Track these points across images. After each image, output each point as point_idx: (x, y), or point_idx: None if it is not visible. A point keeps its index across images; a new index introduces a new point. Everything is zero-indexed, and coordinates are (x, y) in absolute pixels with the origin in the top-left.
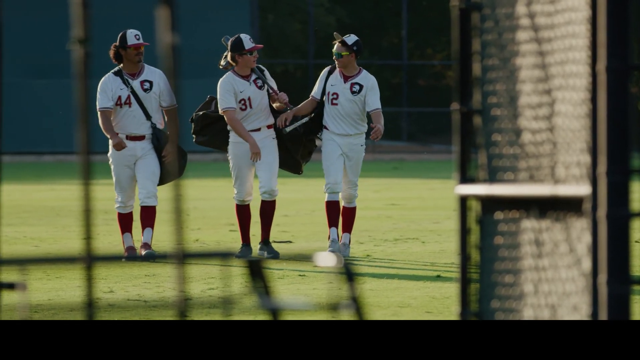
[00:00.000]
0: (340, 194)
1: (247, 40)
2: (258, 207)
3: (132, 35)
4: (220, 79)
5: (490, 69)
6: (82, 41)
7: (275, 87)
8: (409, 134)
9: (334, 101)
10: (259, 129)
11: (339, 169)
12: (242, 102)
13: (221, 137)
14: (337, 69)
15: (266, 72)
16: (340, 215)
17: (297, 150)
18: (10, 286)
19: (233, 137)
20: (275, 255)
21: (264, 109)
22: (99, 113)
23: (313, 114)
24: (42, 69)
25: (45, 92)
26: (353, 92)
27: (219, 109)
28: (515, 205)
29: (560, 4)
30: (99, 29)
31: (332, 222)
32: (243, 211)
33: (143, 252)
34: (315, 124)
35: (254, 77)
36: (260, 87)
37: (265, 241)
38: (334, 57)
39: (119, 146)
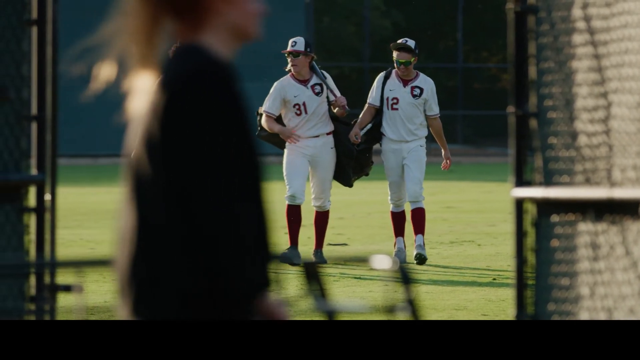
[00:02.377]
0: (406, 194)
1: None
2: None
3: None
4: (277, 82)
5: (546, 72)
6: None
7: (337, 93)
8: (465, 137)
9: (394, 106)
10: (317, 136)
11: (403, 185)
12: (297, 107)
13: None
14: (394, 73)
15: (329, 79)
16: (410, 220)
17: (349, 163)
18: (67, 288)
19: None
20: (322, 261)
21: (321, 116)
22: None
23: (374, 123)
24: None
25: (102, 95)
26: (414, 96)
27: (262, 109)
28: (571, 208)
29: (616, 7)
30: None
31: (399, 232)
32: (293, 212)
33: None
34: (377, 132)
35: (312, 82)
36: (317, 94)
37: (316, 251)
38: (397, 66)
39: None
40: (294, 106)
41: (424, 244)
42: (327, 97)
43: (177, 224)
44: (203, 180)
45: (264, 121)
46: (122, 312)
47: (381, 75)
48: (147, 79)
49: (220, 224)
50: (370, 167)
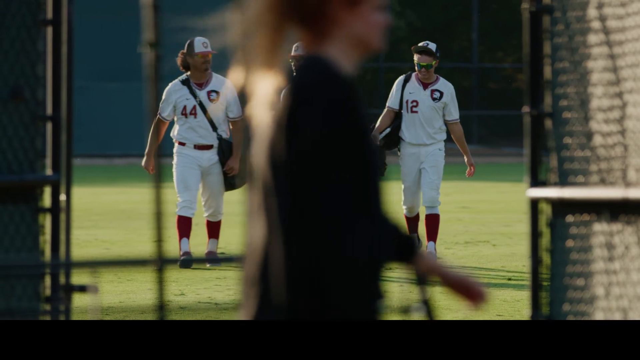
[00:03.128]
0: (420, 199)
1: (200, 44)
2: None
3: (200, 43)
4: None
5: (561, 72)
6: (152, 45)
7: None
8: (480, 137)
9: (414, 109)
10: None
11: (417, 192)
12: None
13: None
14: (414, 76)
15: None
16: (424, 225)
17: None
18: (82, 289)
19: None
20: None
21: None
22: (157, 117)
23: (392, 126)
24: (113, 72)
25: (116, 95)
26: (434, 99)
27: None
28: (586, 208)
29: (631, 7)
30: (169, 33)
31: (412, 230)
32: None
33: (208, 265)
34: (396, 136)
35: None
36: None
37: None
38: (418, 69)
39: (146, 169)
40: None
41: (435, 252)
42: None
43: (292, 235)
44: (321, 194)
45: None
46: (242, 314)
47: (401, 78)
48: (270, 87)
49: (333, 240)
50: (384, 168)
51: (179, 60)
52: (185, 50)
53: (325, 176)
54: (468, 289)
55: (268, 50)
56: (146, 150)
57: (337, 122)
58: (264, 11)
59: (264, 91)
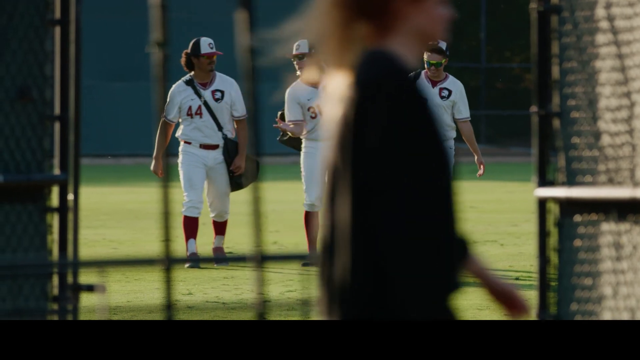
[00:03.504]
0: None
1: (206, 45)
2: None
3: (206, 44)
4: (288, 89)
5: (569, 72)
6: (160, 44)
7: None
8: (487, 136)
9: None
10: None
11: None
12: (312, 109)
13: (300, 139)
14: (423, 74)
15: None
16: None
17: None
18: (90, 288)
19: (307, 143)
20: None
21: None
22: (161, 119)
23: None
24: (121, 71)
25: (124, 95)
26: (442, 97)
27: (286, 120)
28: (594, 208)
29: (639, 7)
30: (177, 32)
31: None
32: (311, 219)
33: (215, 265)
34: None
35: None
36: None
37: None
38: (428, 67)
39: (154, 172)
40: (309, 109)
41: None
42: None
43: (364, 227)
44: (393, 189)
45: (292, 128)
46: (320, 308)
47: (410, 76)
48: (340, 82)
49: (407, 230)
50: None
51: (182, 61)
52: (189, 50)
53: (396, 171)
54: (512, 300)
55: (337, 46)
56: (154, 154)
57: (406, 116)
58: (332, 8)
59: (334, 87)
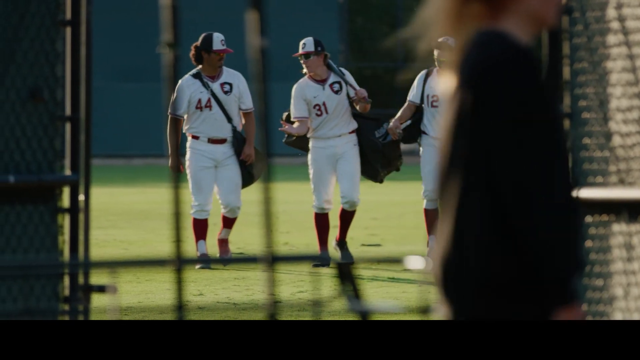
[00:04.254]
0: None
1: (218, 42)
2: (337, 212)
3: (218, 40)
4: (295, 85)
5: (580, 73)
6: (171, 45)
7: (357, 87)
8: None
9: (434, 103)
10: (339, 136)
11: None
12: (317, 107)
13: (307, 139)
14: (435, 71)
15: (348, 76)
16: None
17: (377, 158)
18: (101, 289)
19: (314, 142)
20: (349, 260)
21: (342, 114)
22: (169, 117)
23: (412, 120)
24: (132, 72)
25: (135, 96)
26: None
27: (291, 117)
28: (605, 208)
29: None
30: (187, 32)
31: (432, 230)
32: (321, 220)
33: (219, 255)
34: (415, 129)
35: (331, 80)
36: (336, 92)
37: (340, 242)
38: (439, 65)
39: (174, 169)
40: (315, 107)
41: None
42: (348, 94)
43: (489, 212)
44: (516, 168)
45: (296, 127)
46: (440, 300)
47: (422, 73)
48: (455, 64)
49: (536, 212)
50: (400, 161)
51: (191, 54)
52: (199, 44)
53: (527, 156)
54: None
55: (452, 27)
56: (169, 151)
57: (524, 98)
58: None
59: (449, 73)
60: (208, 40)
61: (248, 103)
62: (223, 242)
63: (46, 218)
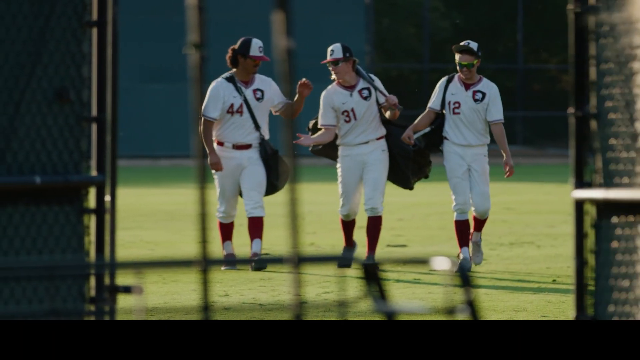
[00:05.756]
0: (472, 207)
1: (256, 48)
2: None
3: (257, 47)
4: (323, 91)
5: (607, 73)
6: (197, 46)
7: (387, 93)
8: (524, 138)
9: (456, 110)
10: (366, 142)
11: (467, 188)
12: (346, 113)
13: (334, 147)
14: (456, 77)
15: (377, 82)
16: (472, 219)
17: (407, 165)
18: (127, 289)
19: (342, 150)
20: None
21: (371, 121)
22: (202, 119)
23: (434, 126)
24: (158, 73)
25: (161, 97)
26: (476, 100)
27: (318, 124)
28: (632, 209)
29: None
30: (213, 33)
31: (464, 242)
32: (347, 225)
33: (252, 266)
34: (437, 136)
35: (359, 87)
36: (365, 98)
37: (368, 257)
38: (460, 69)
39: (217, 166)
40: (343, 113)
41: (480, 241)
42: (377, 100)
43: None
44: None
45: (321, 135)
46: None
47: (444, 79)
48: None
49: None
50: (429, 167)
51: (228, 57)
52: (237, 47)
53: None
54: None
55: None
56: (208, 150)
57: None
58: None
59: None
60: (246, 44)
61: (282, 98)
62: (256, 256)
63: (72, 219)
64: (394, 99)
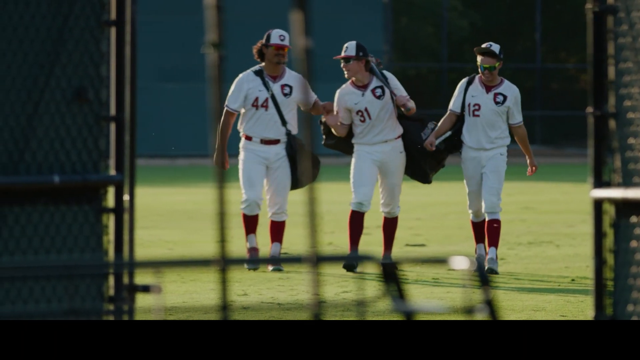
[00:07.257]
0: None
1: (277, 37)
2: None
3: (277, 35)
4: (338, 90)
5: (625, 73)
6: (216, 45)
7: (402, 92)
8: (543, 137)
9: (476, 112)
10: (385, 141)
11: (480, 197)
12: (360, 114)
13: (347, 141)
14: (477, 79)
15: (391, 80)
16: (485, 230)
17: (425, 160)
18: (145, 289)
19: (359, 146)
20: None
21: (387, 120)
22: (224, 110)
23: (454, 129)
24: (176, 72)
25: (179, 96)
26: (497, 103)
27: None
28: None
29: None
30: (232, 33)
31: (479, 239)
32: (356, 219)
33: (270, 268)
34: (457, 139)
35: (373, 85)
36: (379, 97)
37: (385, 256)
38: (482, 71)
39: (220, 164)
40: (357, 113)
41: (496, 258)
42: (393, 99)
43: None
44: None
45: (338, 126)
46: None
47: (464, 80)
48: None
49: None
50: (441, 167)
51: (255, 49)
52: (263, 41)
53: None
54: None
55: None
56: (216, 145)
57: None
58: None
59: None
60: (268, 35)
61: (312, 96)
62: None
63: (91, 218)
64: (402, 99)
